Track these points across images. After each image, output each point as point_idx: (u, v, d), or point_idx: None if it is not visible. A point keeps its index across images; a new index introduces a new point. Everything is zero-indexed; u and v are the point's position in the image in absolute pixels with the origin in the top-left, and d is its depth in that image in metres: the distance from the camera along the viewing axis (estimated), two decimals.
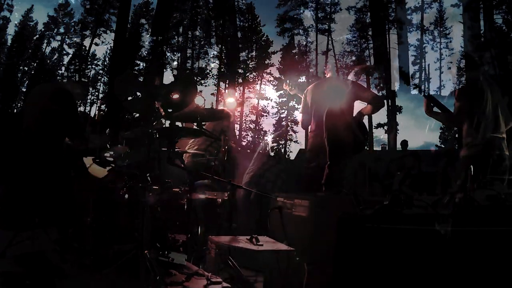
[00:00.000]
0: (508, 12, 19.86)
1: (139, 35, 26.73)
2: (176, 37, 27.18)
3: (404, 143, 10.04)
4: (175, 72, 25.79)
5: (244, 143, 25.14)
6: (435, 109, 3.79)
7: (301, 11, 27.08)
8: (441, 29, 27.39)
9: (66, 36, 28.08)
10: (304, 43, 27.47)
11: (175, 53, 27.44)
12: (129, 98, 2.97)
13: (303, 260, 2.26)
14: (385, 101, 22.44)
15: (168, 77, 27.20)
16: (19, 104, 25.93)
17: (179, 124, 3.65)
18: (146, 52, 26.59)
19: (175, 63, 27.29)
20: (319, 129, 3.83)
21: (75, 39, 27.48)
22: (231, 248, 2.24)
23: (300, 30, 27.18)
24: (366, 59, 25.52)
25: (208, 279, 2.30)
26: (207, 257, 2.74)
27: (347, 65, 25.69)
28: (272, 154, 5.62)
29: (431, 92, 26.42)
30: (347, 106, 3.75)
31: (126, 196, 2.91)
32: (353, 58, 25.72)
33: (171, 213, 2.95)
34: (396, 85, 25.26)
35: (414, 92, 25.95)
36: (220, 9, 26.26)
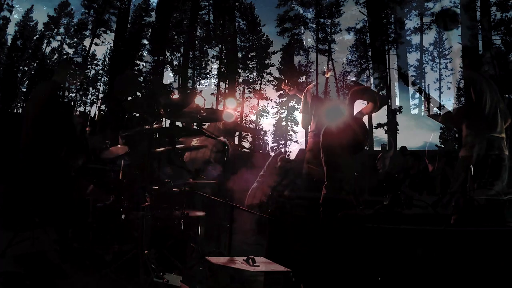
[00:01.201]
0: (507, 33, 20.15)
1: (139, 36, 26.73)
2: (176, 37, 27.18)
3: (403, 149, 9.81)
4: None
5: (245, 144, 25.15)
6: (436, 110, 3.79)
7: (302, 31, 27.23)
8: (440, 50, 27.68)
9: (66, 36, 28.08)
10: (305, 63, 27.62)
11: (175, 52, 27.44)
12: (129, 98, 2.97)
13: (300, 281, 2.25)
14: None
15: (168, 77, 27.26)
16: (19, 104, 25.94)
17: (179, 124, 3.66)
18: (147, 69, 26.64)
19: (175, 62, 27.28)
20: (319, 129, 3.83)
21: (74, 39, 27.48)
22: (227, 269, 2.22)
23: (301, 51, 27.28)
24: (366, 80, 25.68)
25: None
26: (203, 277, 2.69)
27: (347, 85, 25.80)
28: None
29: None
30: (345, 105, 3.74)
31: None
32: (354, 78, 25.90)
33: (167, 232, 2.91)
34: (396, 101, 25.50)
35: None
36: (221, 9, 26.27)
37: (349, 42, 27.24)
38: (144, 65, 26.74)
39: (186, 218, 2.98)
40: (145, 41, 27.44)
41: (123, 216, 2.84)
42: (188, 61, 26.61)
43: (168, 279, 2.40)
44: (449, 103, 25.87)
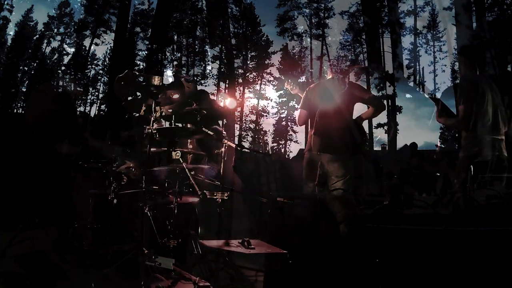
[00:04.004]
0: (500, 14, 20.24)
1: (135, 42, 26.70)
2: (175, 37, 27.16)
3: (414, 146, 9.48)
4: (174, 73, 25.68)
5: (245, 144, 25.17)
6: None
7: (295, 15, 27.12)
8: (434, 32, 27.69)
9: (66, 36, 28.07)
10: (299, 48, 27.55)
11: (175, 53, 27.43)
12: (129, 98, 2.97)
13: (296, 263, 2.24)
14: (385, 101, 22.48)
15: (167, 78, 27.24)
16: (19, 104, 25.93)
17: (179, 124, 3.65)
18: (142, 58, 26.55)
19: (175, 62, 27.26)
20: (321, 129, 3.82)
21: (74, 39, 27.50)
22: (221, 252, 2.20)
23: (295, 36, 27.29)
24: (360, 63, 25.61)
25: (195, 284, 2.25)
26: (198, 261, 2.68)
27: (341, 70, 25.82)
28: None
29: (425, 96, 26.81)
30: (345, 107, 3.73)
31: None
32: (348, 62, 25.88)
33: (162, 216, 2.88)
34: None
35: (408, 96, 26.18)
36: (216, 10, 26.26)
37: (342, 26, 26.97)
38: (143, 64, 26.74)
39: (180, 205, 2.89)
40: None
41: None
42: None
43: (160, 262, 2.37)
44: (444, 86, 25.97)
